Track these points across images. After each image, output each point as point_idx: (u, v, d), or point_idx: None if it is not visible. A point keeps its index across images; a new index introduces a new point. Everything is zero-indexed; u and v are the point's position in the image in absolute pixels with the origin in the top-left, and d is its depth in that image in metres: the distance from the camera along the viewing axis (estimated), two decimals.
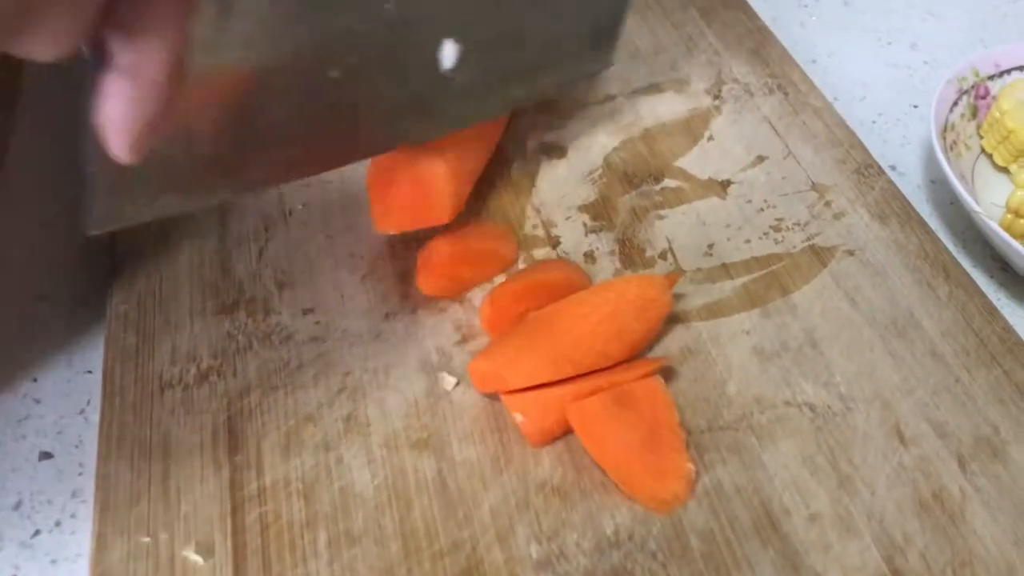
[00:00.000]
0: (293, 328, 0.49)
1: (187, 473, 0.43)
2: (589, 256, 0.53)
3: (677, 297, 0.50)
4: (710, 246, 0.54)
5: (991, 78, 0.64)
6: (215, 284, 0.51)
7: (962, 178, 0.57)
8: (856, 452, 0.44)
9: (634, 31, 0.68)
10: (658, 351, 0.49)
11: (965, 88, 0.62)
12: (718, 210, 0.56)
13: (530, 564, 0.40)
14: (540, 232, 0.54)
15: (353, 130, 0.46)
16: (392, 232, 0.51)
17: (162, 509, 0.42)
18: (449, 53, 0.46)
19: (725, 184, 0.57)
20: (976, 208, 0.53)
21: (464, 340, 0.49)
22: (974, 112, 0.63)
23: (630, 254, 0.53)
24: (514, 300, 0.49)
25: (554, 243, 0.54)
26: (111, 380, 0.46)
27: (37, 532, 0.44)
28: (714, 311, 0.50)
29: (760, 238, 0.54)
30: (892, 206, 0.56)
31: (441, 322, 0.50)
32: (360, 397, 0.46)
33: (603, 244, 0.54)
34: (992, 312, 0.50)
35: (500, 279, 0.52)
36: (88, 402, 0.49)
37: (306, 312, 0.50)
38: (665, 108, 0.62)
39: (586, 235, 0.54)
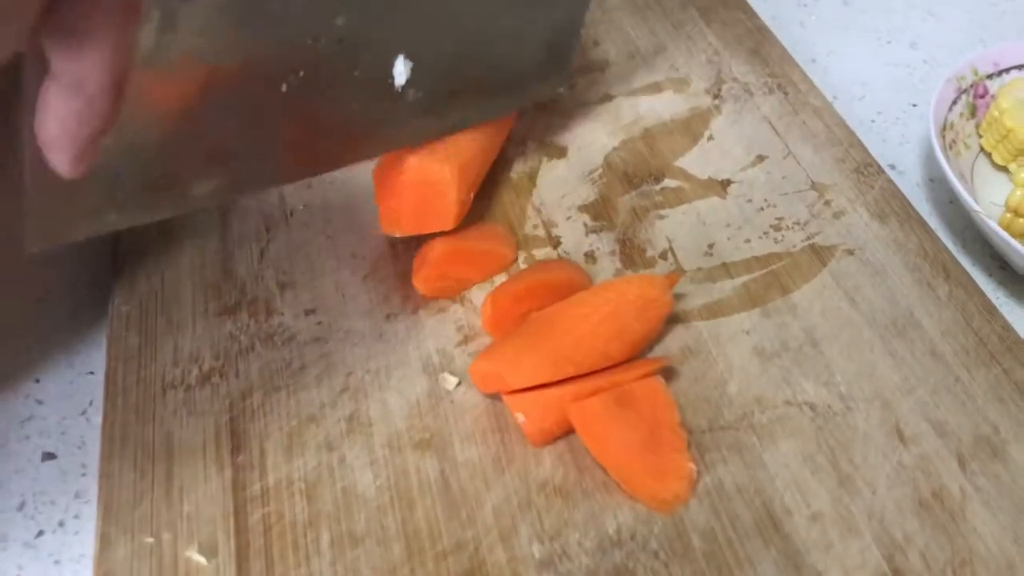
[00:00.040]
0: (295, 329, 0.49)
1: (190, 474, 0.43)
2: (590, 256, 0.53)
3: (677, 297, 0.51)
4: (710, 246, 0.54)
5: (990, 77, 0.64)
6: (217, 285, 0.51)
7: (961, 177, 0.57)
8: (856, 451, 0.45)
9: (634, 31, 0.68)
10: (659, 351, 0.49)
11: (964, 87, 0.63)
12: (718, 210, 0.56)
13: (533, 564, 0.41)
14: (541, 232, 0.55)
15: (303, 146, 0.46)
16: (397, 235, 0.51)
17: (165, 509, 0.42)
18: (401, 70, 0.46)
19: (725, 184, 0.57)
20: (975, 207, 0.53)
21: (465, 341, 0.49)
22: (973, 111, 0.63)
23: (631, 254, 0.53)
24: (515, 300, 0.49)
25: (555, 243, 0.54)
26: (113, 381, 0.47)
27: (41, 532, 0.44)
28: (714, 311, 0.51)
29: (760, 237, 0.54)
30: (892, 205, 0.56)
31: (442, 323, 0.50)
32: (362, 398, 0.46)
33: (604, 244, 0.54)
34: (991, 311, 0.51)
35: (501, 279, 0.52)
36: (90, 403, 0.49)
37: (308, 313, 0.50)
38: (665, 108, 0.63)
39: (587, 235, 0.55)
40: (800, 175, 0.58)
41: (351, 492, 0.43)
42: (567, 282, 0.50)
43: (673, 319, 0.50)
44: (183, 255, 0.52)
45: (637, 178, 0.58)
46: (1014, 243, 0.52)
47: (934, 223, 0.59)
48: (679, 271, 0.52)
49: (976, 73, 0.63)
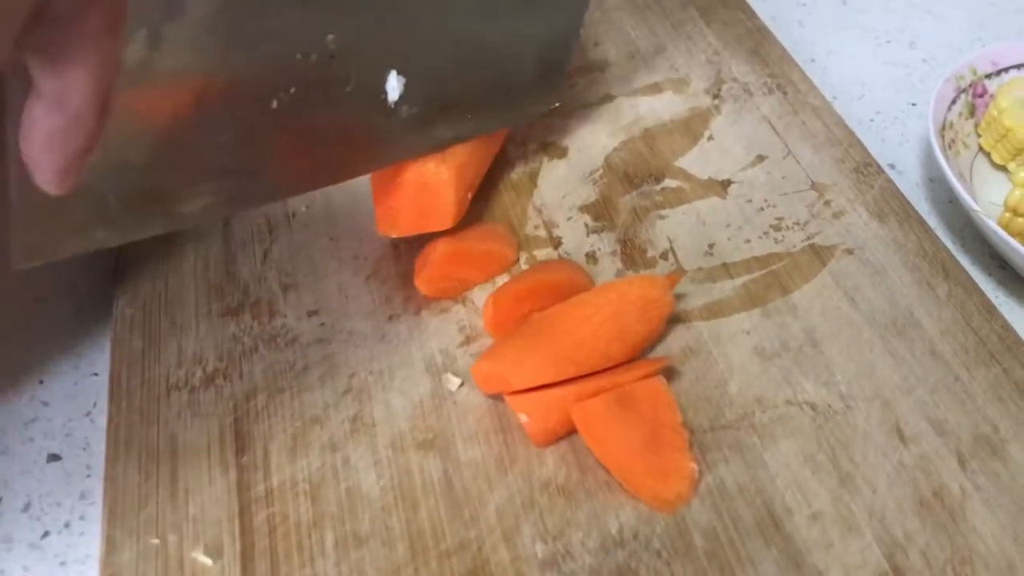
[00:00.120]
0: (298, 330, 0.49)
1: (195, 475, 0.43)
2: (591, 256, 0.54)
3: (678, 297, 0.51)
4: (711, 246, 0.54)
5: (989, 76, 0.64)
6: (220, 287, 0.51)
7: (960, 176, 0.57)
8: (857, 451, 0.45)
9: (634, 31, 0.69)
10: (660, 351, 0.49)
11: (963, 86, 0.63)
12: (718, 210, 0.56)
13: (536, 563, 0.41)
14: (542, 232, 0.55)
15: (296, 162, 0.46)
16: (395, 236, 0.51)
17: (170, 511, 0.42)
18: (394, 86, 0.46)
19: (725, 184, 0.58)
20: (974, 207, 0.54)
21: (467, 341, 0.49)
22: (972, 110, 0.63)
23: (631, 254, 0.54)
24: (516, 301, 0.49)
25: (556, 243, 0.54)
26: (118, 383, 0.47)
27: (46, 533, 0.44)
28: (715, 311, 0.51)
29: (760, 238, 0.55)
30: (891, 205, 0.57)
31: (444, 323, 0.50)
32: (366, 398, 0.47)
33: (605, 244, 0.54)
34: (991, 310, 0.51)
35: (502, 280, 0.52)
36: (95, 404, 0.49)
37: (311, 314, 0.50)
38: (665, 108, 0.63)
39: (588, 235, 0.55)
40: (800, 175, 0.58)
41: (355, 493, 0.43)
42: (568, 282, 0.50)
43: (674, 319, 0.50)
44: (186, 257, 0.52)
45: (638, 178, 0.58)
46: (1013, 242, 0.52)
47: (933, 222, 0.59)
48: (680, 271, 0.53)
49: (975, 72, 0.63)
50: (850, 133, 0.61)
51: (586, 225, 0.55)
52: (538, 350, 0.45)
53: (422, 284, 0.50)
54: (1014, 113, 0.60)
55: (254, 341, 0.49)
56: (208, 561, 0.41)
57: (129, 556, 0.41)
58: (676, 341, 0.49)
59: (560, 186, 0.57)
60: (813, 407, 0.47)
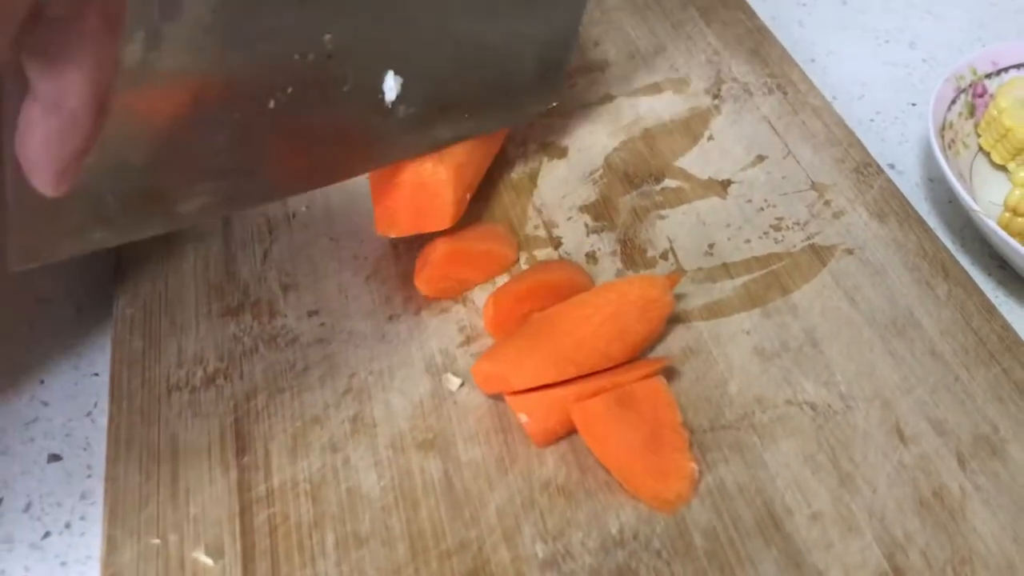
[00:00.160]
0: (298, 330, 0.49)
1: (195, 475, 0.44)
2: (591, 256, 0.54)
3: (678, 297, 0.51)
4: (711, 246, 0.54)
5: (989, 76, 0.64)
6: (220, 287, 0.51)
7: (960, 176, 0.57)
8: (857, 451, 0.45)
9: (634, 31, 0.69)
10: (660, 351, 0.49)
11: (963, 86, 0.63)
12: (718, 210, 0.56)
13: (536, 563, 0.41)
14: (542, 232, 0.55)
15: (293, 162, 0.46)
16: (393, 236, 0.51)
17: (171, 511, 0.42)
18: (391, 86, 0.46)
19: (725, 184, 0.58)
20: (974, 207, 0.54)
21: (468, 341, 0.49)
22: (972, 110, 0.63)
23: (632, 254, 0.54)
24: (517, 301, 0.49)
25: (556, 243, 0.54)
26: (118, 383, 0.47)
27: (47, 534, 0.44)
28: (715, 311, 0.51)
29: (760, 238, 0.55)
30: (891, 205, 0.57)
31: (445, 323, 0.50)
32: (366, 399, 0.47)
33: (605, 244, 0.54)
34: (990, 310, 0.51)
35: (502, 280, 0.52)
36: (95, 404, 0.49)
37: (311, 314, 0.50)
38: (665, 108, 0.63)
39: (587, 235, 0.55)
40: (800, 175, 0.58)
41: (355, 493, 0.43)
42: (568, 282, 0.50)
43: (674, 319, 0.50)
44: (186, 257, 0.52)
45: (637, 178, 0.58)
46: (1013, 242, 0.52)
47: (933, 222, 0.60)
48: (680, 271, 0.53)
49: (975, 72, 0.64)
50: (850, 133, 0.61)
51: (586, 225, 0.55)
52: (538, 350, 0.45)
53: (422, 284, 0.50)
54: (1014, 113, 0.60)
55: (254, 341, 0.49)
56: (209, 561, 0.41)
57: (130, 556, 0.41)
58: (676, 341, 0.49)
59: (560, 186, 0.57)
60: (813, 407, 0.47)
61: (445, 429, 0.45)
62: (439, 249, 0.51)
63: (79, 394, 0.49)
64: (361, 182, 0.52)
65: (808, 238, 0.55)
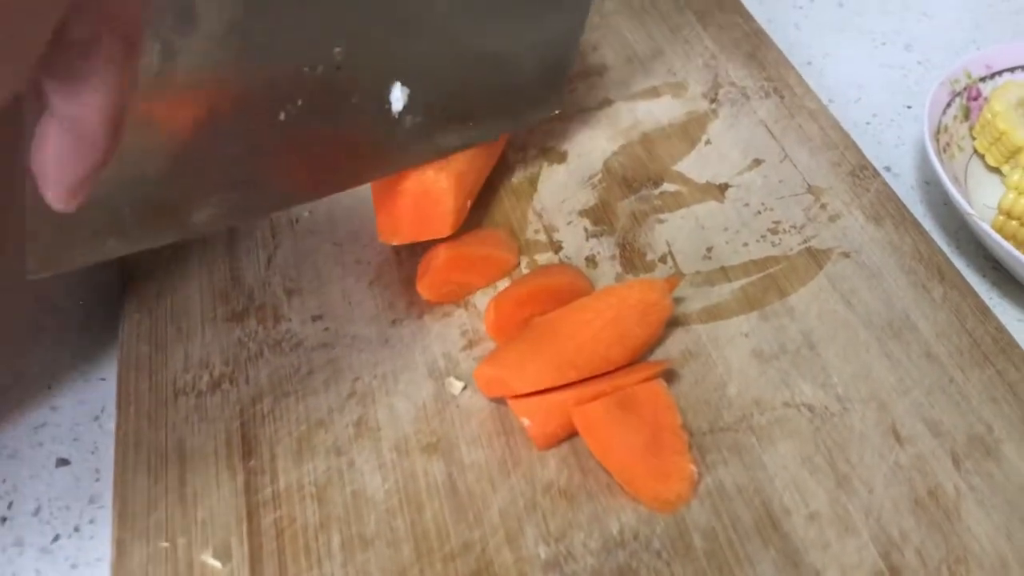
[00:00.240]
0: (303, 335, 0.50)
1: (203, 479, 0.44)
2: (591, 260, 0.54)
3: (677, 300, 0.51)
4: (709, 249, 0.55)
5: (983, 80, 0.65)
6: (225, 292, 0.52)
7: (955, 180, 0.58)
8: (853, 452, 0.46)
9: (631, 35, 0.69)
10: (659, 354, 0.50)
11: (958, 90, 0.64)
12: (716, 214, 0.57)
13: (539, 564, 0.42)
14: (542, 237, 0.56)
15: (302, 172, 0.47)
16: (396, 243, 0.52)
17: (179, 515, 0.43)
18: (398, 96, 0.47)
19: (723, 188, 0.58)
20: (969, 210, 0.54)
21: (470, 345, 0.50)
22: (967, 114, 0.64)
23: (631, 258, 0.54)
24: (518, 305, 0.50)
25: (556, 247, 0.55)
26: (126, 388, 0.48)
27: (56, 537, 0.45)
28: (713, 314, 0.52)
29: (758, 241, 0.55)
30: (887, 208, 0.57)
31: (447, 327, 0.51)
32: (370, 402, 0.47)
33: (604, 248, 0.55)
34: (985, 312, 0.52)
35: (504, 284, 0.53)
36: (103, 409, 0.50)
37: (315, 319, 0.51)
38: (663, 112, 0.64)
39: (587, 239, 0.55)
40: (796, 179, 0.59)
41: (360, 495, 0.44)
42: (568, 286, 0.51)
43: (673, 322, 0.51)
44: (191, 262, 0.53)
45: (636, 183, 0.59)
46: (1006, 245, 0.53)
47: (928, 225, 0.60)
48: (678, 275, 0.53)
49: (969, 76, 0.64)
50: (846, 136, 0.62)
51: (586, 229, 0.56)
52: (540, 354, 0.46)
53: (424, 289, 0.51)
54: (1008, 116, 0.61)
55: (259, 346, 0.50)
56: (217, 564, 0.41)
57: (139, 559, 0.41)
58: (675, 344, 0.50)
59: (560, 191, 0.58)
60: (810, 409, 0.47)
61: (448, 432, 0.46)
62: (441, 254, 0.51)
63: (87, 399, 0.50)
64: (364, 188, 0.52)
65: (805, 241, 0.55)
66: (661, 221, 0.56)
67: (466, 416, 0.47)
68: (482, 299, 0.52)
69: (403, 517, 0.43)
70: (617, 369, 0.47)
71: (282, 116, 0.43)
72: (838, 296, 0.52)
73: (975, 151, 0.64)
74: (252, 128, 0.42)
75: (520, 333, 0.48)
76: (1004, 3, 0.79)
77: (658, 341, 0.50)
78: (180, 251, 0.53)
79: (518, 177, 0.59)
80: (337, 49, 0.43)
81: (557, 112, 0.59)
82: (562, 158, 0.60)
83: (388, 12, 0.45)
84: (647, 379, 0.47)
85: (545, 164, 0.60)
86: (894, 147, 0.67)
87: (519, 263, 0.54)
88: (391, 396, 0.48)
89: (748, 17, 0.71)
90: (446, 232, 0.51)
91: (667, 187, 0.58)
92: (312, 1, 0.41)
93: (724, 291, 0.53)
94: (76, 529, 0.45)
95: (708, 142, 0.61)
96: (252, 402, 0.47)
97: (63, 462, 0.48)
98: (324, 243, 0.54)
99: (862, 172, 0.59)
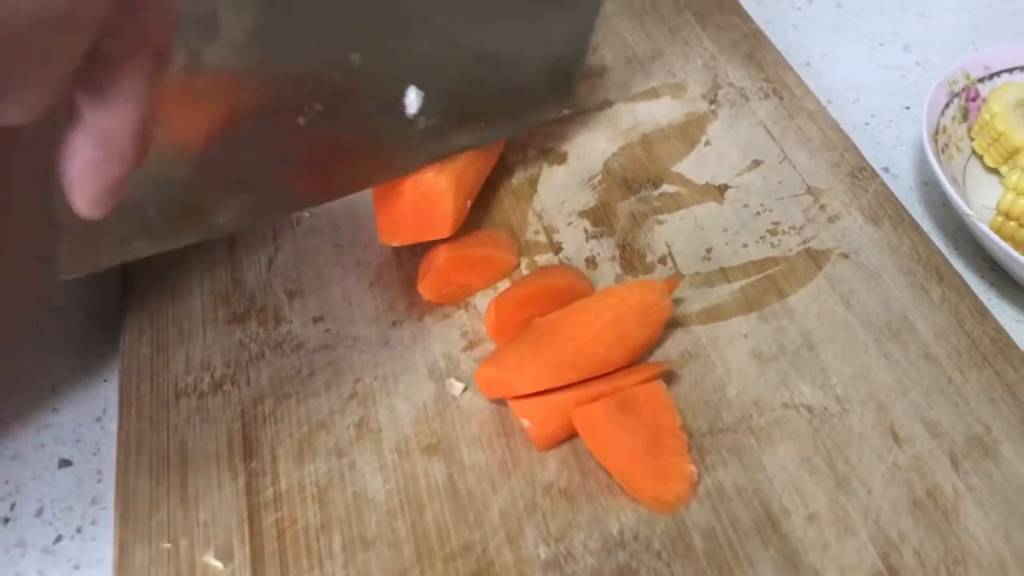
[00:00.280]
0: (303, 336, 0.50)
1: (204, 480, 0.44)
2: (591, 261, 0.55)
3: (676, 302, 0.52)
4: (708, 250, 0.55)
5: (981, 80, 0.65)
6: (226, 294, 0.52)
7: (953, 180, 0.58)
8: (852, 452, 0.46)
9: (631, 36, 0.70)
10: (659, 355, 0.50)
11: (956, 91, 0.64)
12: (715, 215, 0.57)
13: (539, 565, 0.42)
14: (542, 238, 0.56)
15: (320, 174, 0.48)
16: (396, 244, 0.52)
17: (181, 516, 0.43)
18: (412, 100, 0.48)
19: (722, 189, 0.59)
20: (967, 211, 0.54)
21: (470, 346, 0.50)
22: (965, 114, 0.64)
23: (630, 259, 0.55)
24: (518, 306, 0.50)
25: (556, 249, 0.55)
26: (127, 390, 0.48)
27: (59, 538, 0.45)
28: (713, 315, 0.52)
29: (757, 242, 0.56)
30: (885, 208, 0.57)
31: (447, 328, 0.51)
32: (371, 403, 0.47)
33: (604, 249, 0.55)
34: (983, 313, 0.52)
35: (504, 285, 0.53)
36: (104, 410, 0.50)
37: (316, 320, 0.51)
38: (663, 113, 0.64)
39: (587, 240, 0.56)
40: (796, 179, 0.59)
41: (361, 496, 0.44)
42: (568, 287, 0.51)
43: (672, 323, 0.51)
44: (192, 264, 0.53)
45: (636, 184, 0.59)
46: (1005, 246, 0.53)
47: (927, 225, 0.61)
48: (678, 276, 0.54)
49: (967, 77, 0.64)
50: (845, 137, 0.62)
51: (586, 230, 0.56)
52: (540, 355, 0.46)
53: (425, 290, 0.51)
54: (1006, 117, 0.61)
55: (260, 347, 0.50)
56: (219, 565, 0.42)
57: (141, 560, 0.42)
58: (675, 345, 0.50)
59: (560, 192, 0.58)
60: (809, 410, 0.48)
61: (449, 433, 0.46)
62: (442, 255, 0.51)
63: (88, 400, 0.50)
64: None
65: (804, 242, 0.55)
66: (661, 222, 0.57)
67: (466, 417, 0.47)
68: (482, 300, 0.52)
69: (404, 518, 0.43)
70: (617, 370, 0.48)
71: (301, 120, 0.44)
72: (837, 297, 0.52)
73: (973, 152, 0.64)
74: (273, 132, 0.44)
75: (520, 334, 0.48)
76: (1002, 4, 0.80)
77: (658, 342, 0.50)
78: (181, 253, 0.53)
79: (518, 178, 0.59)
80: (354, 55, 0.44)
81: (568, 112, 0.59)
82: (562, 159, 0.60)
83: (403, 18, 0.46)
84: (647, 380, 0.47)
85: (545, 165, 0.60)
86: (893, 148, 0.67)
87: (519, 264, 0.54)
88: (392, 397, 0.48)
89: (747, 18, 0.71)
90: (446, 233, 0.51)
91: (667, 188, 0.59)
92: (329, 9, 0.42)
93: (723, 292, 0.53)
94: (78, 530, 0.45)
95: (707, 143, 0.62)
96: (253, 403, 0.47)
97: (65, 463, 0.48)
98: (325, 244, 0.55)
99: (861, 173, 0.59)
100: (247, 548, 0.42)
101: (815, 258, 0.55)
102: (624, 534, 0.43)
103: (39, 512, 0.46)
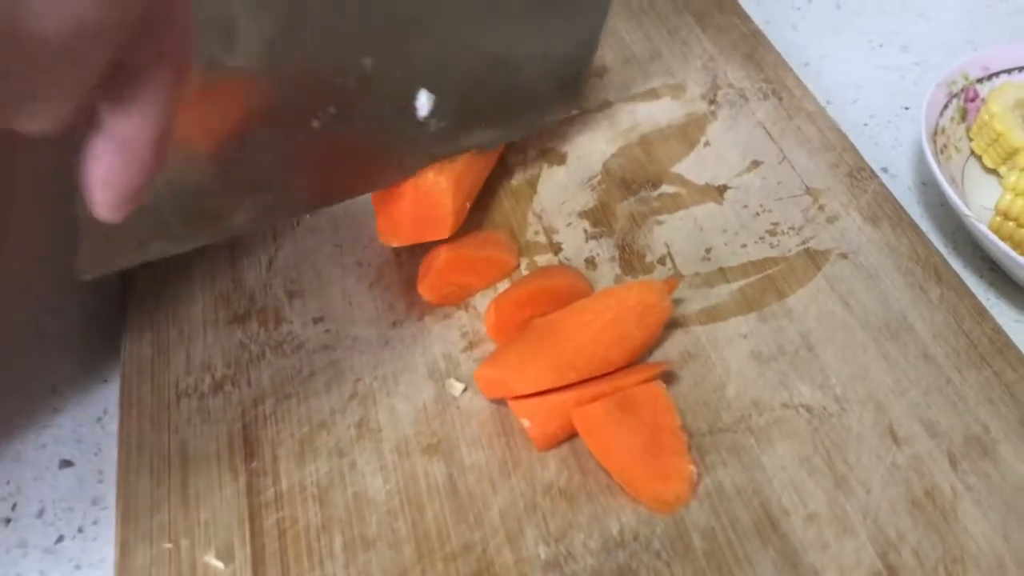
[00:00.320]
0: (304, 337, 0.50)
1: (205, 480, 0.45)
2: (590, 262, 0.55)
3: (676, 302, 0.52)
4: (707, 251, 0.55)
5: (980, 81, 0.65)
6: (227, 294, 0.52)
7: (952, 181, 0.58)
8: (851, 452, 0.46)
9: (630, 36, 0.70)
10: (658, 355, 0.50)
11: (955, 91, 0.64)
12: (715, 215, 0.57)
13: (539, 565, 0.42)
14: (542, 238, 0.56)
15: (332, 175, 0.49)
16: (395, 245, 0.52)
17: (182, 516, 0.43)
18: (423, 102, 0.49)
19: (721, 189, 0.59)
20: (965, 211, 0.55)
21: (470, 346, 0.50)
22: (964, 115, 0.64)
23: (630, 260, 0.55)
24: (518, 306, 0.50)
25: (556, 249, 0.55)
26: (128, 390, 0.48)
27: (60, 538, 0.45)
28: (712, 315, 0.52)
29: (756, 242, 0.56)
30: (884, 209, 0.58)
31: (447, 329, 0.51)
32: (371, 404, 0.48)
33: (603, 250, 0.55)
34: (982, 313, 0.52)
35: (504, 285, 0.53)
36: (105, 411, 0.50)
37: (316, 321, 0.51)
38: (662, 114, 0.64)
39: (587, 241, 0.56)
40: (795, 180, 0.59)
41: (362, 497, 0.44)
42: (568, 288, 0.51)
43: (672, 324, 0.51)
44: (192, 265, 0.53)
45: (635, 184, 0.59)
46: (1003, 246, 0.53)
47: (926, 226, 0.61)
48: (677, 276, 0.54)
49: (966, 77, 0.65)
50: (844, 138, 0.62)
51: (585, 231, 0.56)
52: (540, 356, 0.46)
53: (425, 290, 0.51)
54: (1004, 118, 0.61)
55: (261, 348, 0.50)
56: (220, 565, 0.42)
57: (143, 561, 0.42)
58: (674, 346, 0.50)
59: (559, 192, 0.58)
60: (809, 410, 0.48)
61: (449, 433, 0.47)
62: (442, 256, 0.52)
63: (89, 400, 0.50)
64: None
65: (803, 243, 0.56)
66: (660, 223, 0.57)
67: (466, 417, 0.47)
68: (482, 301, 0.52)
69: (404, 518, 0.43)
70: (616, 370, 0.48)
71: (315, 123, 0.45)
72: (836, 297, 0.53)
73: (972, 152, 0.64)
74: (287, 136, 0.45)
75: (520, 334, 0.48)
76: (1001, 4, 0.80)
77: (657, 342, 0.50)
78: (182, 254, 0.53)
79: (518, 179, 0.59)
80: (366, 60, 0.45)
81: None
82: (561, 160, 0.61)
83: (414, 23, 0.47)
84: (646, 380, 0.47)
85: (544, 166, 0.60)
86: (891, 148, 0.67)
87: (519, 264, 0.54)
88: (392, 397, 0.48)
89: (746, 18, 0.71)
90: (445, 234, 0.51)
91: (666, 189, 0.59)
92: (343, 15, 0.43)
93: (723, 292, 0.53)
94: (80, 530, 0.46)
95: (707, 144, 0.62)
96: (254, 404, 0.47)
97: (66, 464, 0.48)
98: (325, 245, 0.55)
99: (860, 173, 0.60)
100: (248, 548, 0.42)
101: (814, 258, 0.55)
102: (624, 534, 0.43)
103: (40, 512, 0.46)
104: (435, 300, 0.52)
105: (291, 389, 0.48)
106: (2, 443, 0.49)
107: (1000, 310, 0.56)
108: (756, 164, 0.60)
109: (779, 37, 0.72)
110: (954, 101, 0.64)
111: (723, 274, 0.54)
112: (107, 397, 0.51)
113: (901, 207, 0.58)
